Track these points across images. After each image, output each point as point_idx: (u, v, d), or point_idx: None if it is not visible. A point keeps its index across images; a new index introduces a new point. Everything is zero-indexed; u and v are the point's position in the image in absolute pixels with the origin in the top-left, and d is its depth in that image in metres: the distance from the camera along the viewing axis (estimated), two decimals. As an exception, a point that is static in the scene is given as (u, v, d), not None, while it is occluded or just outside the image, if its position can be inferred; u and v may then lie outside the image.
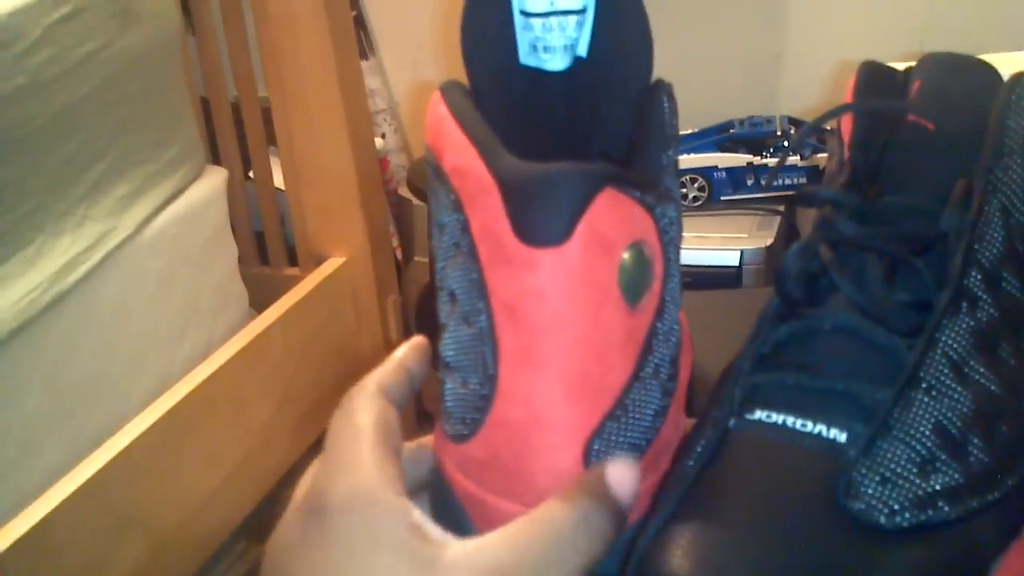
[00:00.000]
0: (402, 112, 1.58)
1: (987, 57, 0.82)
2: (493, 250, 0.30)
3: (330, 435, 0.31)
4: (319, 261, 1.19)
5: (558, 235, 0.28)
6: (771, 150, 1.17)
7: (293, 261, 1.24)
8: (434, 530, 0.28)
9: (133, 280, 0.94)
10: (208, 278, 1.06)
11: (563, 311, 0.29)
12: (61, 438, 0.84)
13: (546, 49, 0.36)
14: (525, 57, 0.36)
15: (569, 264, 0.28)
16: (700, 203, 1.20)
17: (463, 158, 0.31)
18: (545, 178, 0.28)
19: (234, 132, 1.21)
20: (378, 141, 1.26)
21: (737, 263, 1.09)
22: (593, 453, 0.29)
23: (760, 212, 1.19)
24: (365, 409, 0.31)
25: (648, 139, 0.33)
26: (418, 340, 0.36)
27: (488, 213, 0.29)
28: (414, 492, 0.32)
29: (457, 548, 0.27)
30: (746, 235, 1.13)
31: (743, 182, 1.18)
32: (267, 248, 1.25)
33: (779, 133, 1.18)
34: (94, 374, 0.89)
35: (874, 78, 0.40)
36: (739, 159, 1.18)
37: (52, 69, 0.85)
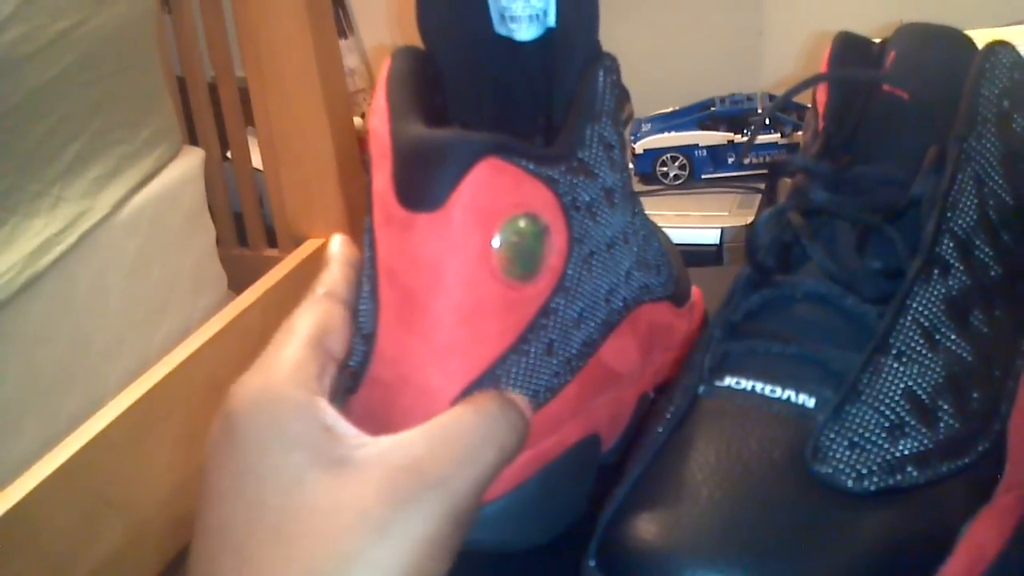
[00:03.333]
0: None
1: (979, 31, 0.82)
2: (381, 212, 0.30)
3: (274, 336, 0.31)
4: (298, 242, 1.18)
5: (434, 200, 0.29)
6: (752, 127, 1.17)
7: (272, 242, 1.23)
8: (348, 429, 0.28)
9: (109, 262, 0.93)
10: (186, 259, 1.05)
11: (435, 276, 0.29)
12: (38, 421, 0.84)
13: (512, 19, 0.36)
14: (497, 26, 0.36)
15: (443, 229, 0.29)
16: (681, 181, 1.20)
17: (376, 120, 0.31)
18: (427, 144, 0.29)
19: (211, 112, 1.20)
20: (357, 120, 1.25)
21: (718, 241, 1.09)
22: None
23: (741, 190, 1.18)
24: (306, 311, 0.31)
25: (574, 111, 0.33)
26: (342, 236, 0.36)
27: (382, 175, 0.30)
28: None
29: (371, 447, 0.27)
30: (727, 213, 1.13)
31: (724, 160, 1.18)
32: (246, 229, 1.24)
33: (760, 110, 1.18)
34: (71, 356, 0.88)
35: (849, 49, 0.39)
36: (720, 137, 1.18)
37: (24, 47, 0.84)
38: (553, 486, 0.32)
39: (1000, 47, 0.37)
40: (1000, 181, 0.35)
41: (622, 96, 0.36)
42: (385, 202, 0.30)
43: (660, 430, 0.31)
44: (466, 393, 0.29)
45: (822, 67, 0.39)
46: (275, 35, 1.10)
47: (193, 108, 1.20)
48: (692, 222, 1.11)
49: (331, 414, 0.28)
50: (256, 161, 1.21)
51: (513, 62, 0.37)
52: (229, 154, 1.22)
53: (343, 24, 1.51)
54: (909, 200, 0.33)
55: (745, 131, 1.16)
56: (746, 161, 1.15)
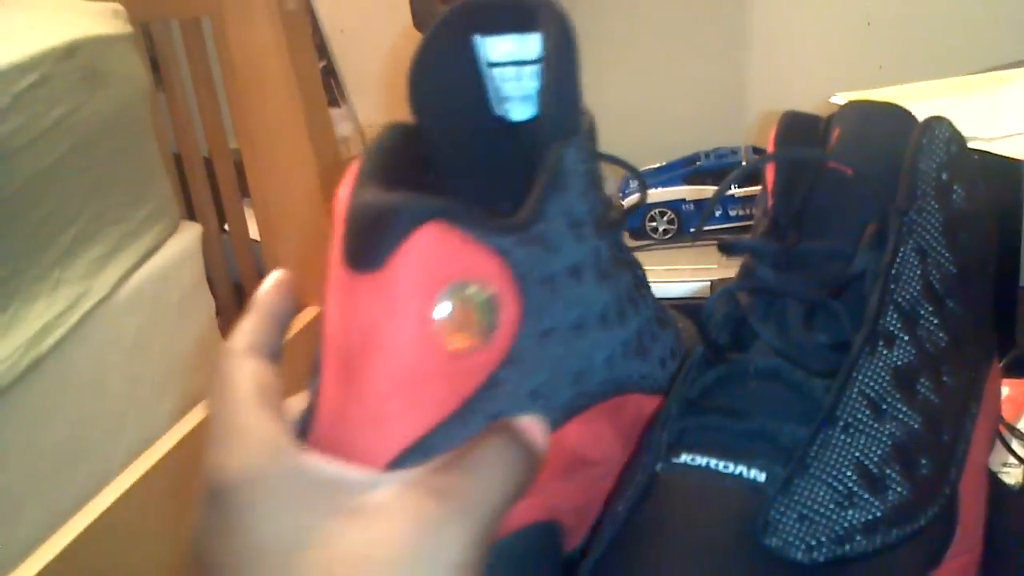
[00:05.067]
0: (377, 157, 1.60)
1: (934, 84, 0.84)
2: (331, 274, 0.30)
3: (210, 407, 0.30)
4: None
5: (375, 262, 0.28)
6: (737, 181, 1.19)
7: (272, 311, 1.25)
8: (353, 474, 0.27)
9: (110, 341, 0.95)
10: (186, 334, 1.07)
11: (371, 339, 0.29)
12: (43, 502, 0.85)
13: (506, 99, 0.36)
14: (494, 106, 0.37)
15: (382, 292, 0.28)
16: (670, 236, 1.22)
17: (342, 190, 0.31)
18: (374, 206, 0.29)
19: (208, 186, 1.22)
20: (351, 189, 1.27)
21: (708, 294, 1.10)
22: None
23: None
24: (238, 372, 0.30)
25: (538, 183, 0.33)
26: (280, 276, 0.36)
27: (337, 237, 0.30)
28: None
29: (385, 484, 0.26)
30: (715, 265, 1.15)
31: (711, 214, 1.20)
32: (245, 300, 1.26)
33: (744, 163, 1.20)
34: (73, 437, 0.89)
35: (795, 127, 0.41)
36: (706, 191, 1.20)
37: (21, 137, 0.86)
38: (501, 571, 0.31)
39: (936, 122, 0.39)
40: (943, 251, 0.37)
41: (597, 177, 0.35)
42: (335, 263, 0.30)
43: (621, 508, 0.32)
44: (400, 461, 0.29)
45: (769, 146, 0.41)
46: (266, 108, 1.12)
47: (190, 183, 1.22)
48: (682, 276, 1.13)
49: (330, 467, 0.27)
50: (253, 232, 1.23)
51: (506, 141, 0.37)
52: (227, 226, 1.24)
53: (336, 93, 1.54)
54: (853, 274, 0.35)
55: (731, 184, 1.18)
56: (733, 213, 1.17)
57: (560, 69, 0.34)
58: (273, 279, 0.35)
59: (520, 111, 0.36)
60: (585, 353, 0.34)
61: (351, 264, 0.29)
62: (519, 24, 0.35)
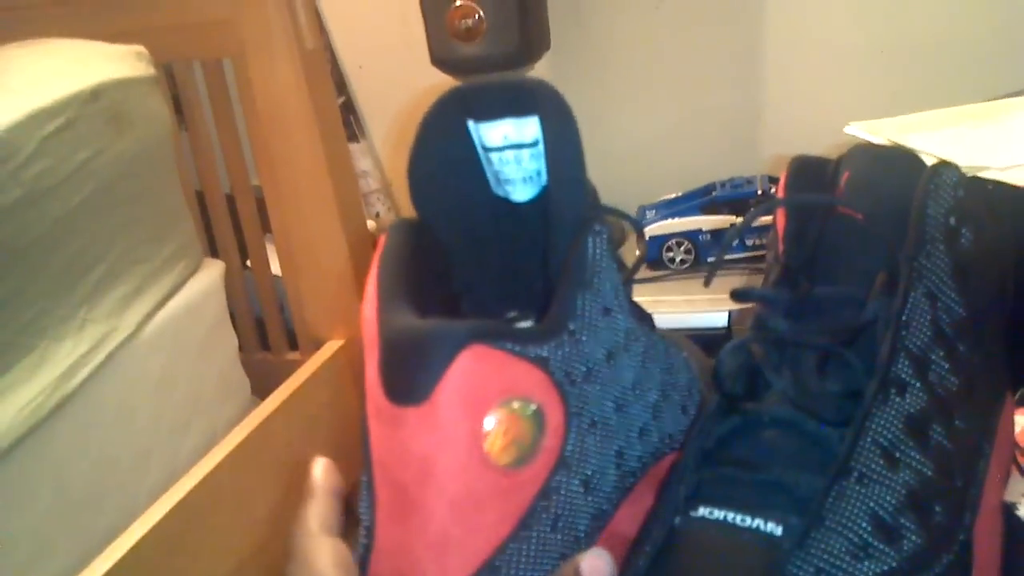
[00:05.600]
0: (395, 190, 1.62)
1: (947, 111, 0.84)
2: (372, 405, 0.30)
3: None
4: (319, 344, 1.21)
5: (420, 394, 0.28)
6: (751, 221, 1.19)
7: (294, 345, 1.26)
8: None
9: (135, 378, 0.96)
10: (209, 370, 1.08)
11: (425, 470, 0.29)
12: (70, 540, 0.86)
13: (507, 181, 0.37)
14: (494, 187, 0.37)
15: (430, 423, 0.28)
16: (688, 266, 1.22)
17: (367, 308, 0.31)
18: (411, 336, 0.29)
19: (230, 223, 1.24)
20: (370, 223, 1.29)
21: (726, 324, 1.10)
22: None
23: (747, 271, 1.21)
24: (317, 551, 0.33)
25: (563, 281, 0.33)
26: (325, 462, 0.37)
27: (371, 366, 0.30)
28: None
29: None
30: (734, 294, 1.15)
31: (725, 253, 1.20)
32: (267, 334, 1.27)
33: (760, 192, 1.20)
34: (100, 475, 0.90)
35: (805, 172, 0.42)
36: (723, 221, 1.20)
37: (48, 180, 0.88)
38: None
39: (943, 167, 0.39)
40: (952, 295, 0.37)
41: (616, 255, 0.35)
42: (374, 395, 0.30)
43: (640, 563, 0.32)
44: None
45: (779, 191, 0.42)
46: (287, 146, 1.14)
47: (212, 220, 1.24)
48: (701, 306, 1.13)
49: None
50: (275, 268, 1.24)
51: (512, 222, 0.37)
52: (249, 262, 1.26)
53: (355, 128, 1.56)
54: (865, 321, 0.36)
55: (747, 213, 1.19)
56: (750, 243, 1.18)
57: (562, 153, 0.34)
58: (321, 465, 0.38)
59: (522, 192, 0.37)
60: (623, 431, 0.34)
61: (393, 397, 0.29)
62: (515, 108, 0.35)
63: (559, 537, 0.31)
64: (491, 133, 0.36)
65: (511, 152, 0.36)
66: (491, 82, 0.35)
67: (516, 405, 0.29)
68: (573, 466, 0.31)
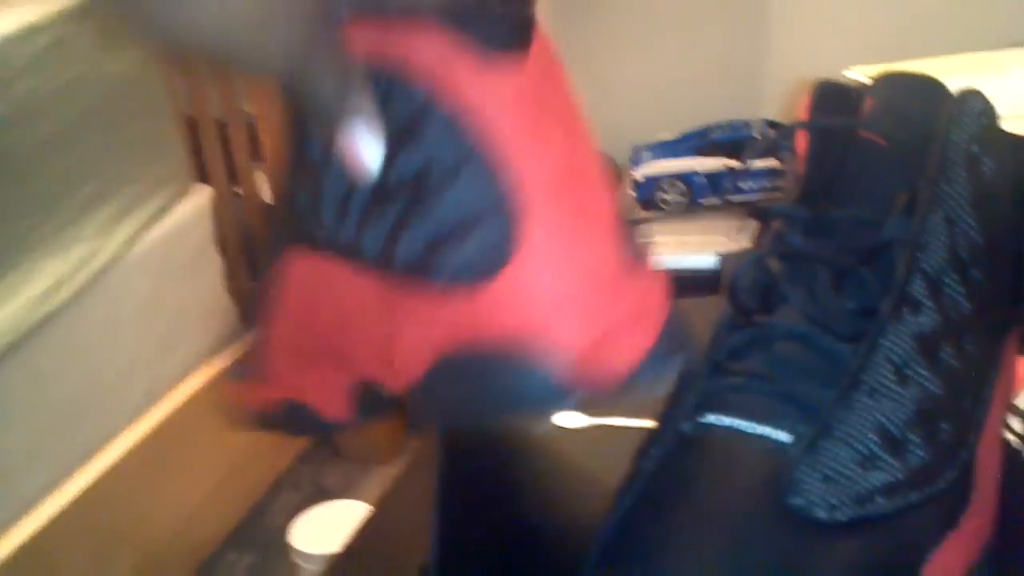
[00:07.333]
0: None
1: (955, 59, 0.84)
2: None
3: None
4: (307, 274, 1.20)
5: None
6: (759, 152, 1.19)
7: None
8: None
9: (120, 299, 0.96)
10: (194, 294, 1.07)
11: None
12: (51, 456, 0.86)
13: None
14: None
15: None
16: (681, 207, 1.22)
17: None
18: None
19: (220, 149, 1.22)
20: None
21: (715, 266, 1.11)
22: None
23: (741, 215, 1.20)
24: None
25: None
26: None
27: None
28: None
29: None
30: (725, 238, 1.15)
31: (722, 186, 1.20)
32: (255, 261, 1.26)
33: (758, 136, 1.20)
34: (83, 392, 0.90)
35: (828, 96, 0.41)
36: (718, 163, 1.20)
37: (37, 97, 0.87)
38: None
39: (970, 94, 0.39)
40: (970, 221, 0.37)
41: None
42: None
43: (647, 465, 0.32)
44: None
45: (801, 113, 0.41)
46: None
47: (203, 145, 1.22)
48: (691, 247, 1.13)
49: None
50: (266, 195, 1.23)
51: None
52: (239, 189, 1.25)
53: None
54: (882, 241, 0.35)
55: (742, 157, 1.19)
56: (745, 186, 1.18)
57: None
58: None
59: None
60: None
61: None
62: None
63: None
64: None
65: None
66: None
67: None
68: None
